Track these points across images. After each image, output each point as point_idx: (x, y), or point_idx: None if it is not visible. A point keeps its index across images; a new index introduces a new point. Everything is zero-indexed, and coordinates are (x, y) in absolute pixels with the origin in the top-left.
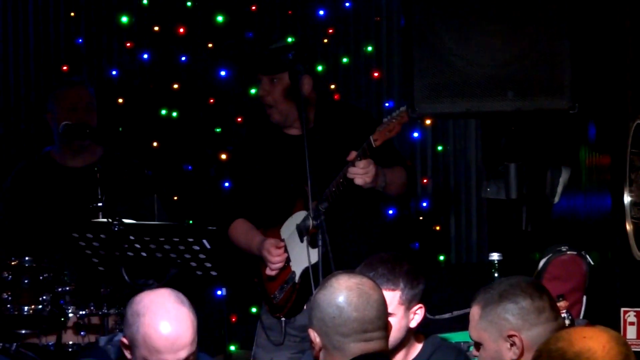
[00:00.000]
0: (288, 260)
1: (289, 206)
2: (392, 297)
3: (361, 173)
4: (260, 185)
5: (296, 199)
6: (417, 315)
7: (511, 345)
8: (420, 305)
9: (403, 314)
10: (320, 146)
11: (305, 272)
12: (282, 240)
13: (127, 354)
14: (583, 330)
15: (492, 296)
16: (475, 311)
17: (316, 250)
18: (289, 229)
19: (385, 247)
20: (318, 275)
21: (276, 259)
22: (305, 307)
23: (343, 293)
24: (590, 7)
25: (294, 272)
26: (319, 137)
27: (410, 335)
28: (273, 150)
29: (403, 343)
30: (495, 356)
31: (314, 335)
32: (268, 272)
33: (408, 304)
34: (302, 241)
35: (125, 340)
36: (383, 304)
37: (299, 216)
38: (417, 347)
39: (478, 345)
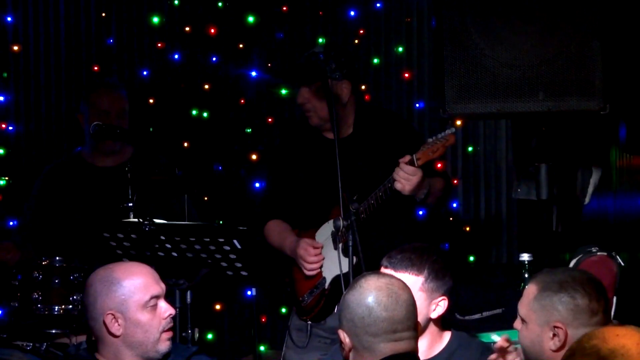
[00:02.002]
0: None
1: (325, 211)
2: (414, 282)
3: (405, 178)
4: (298, 187)
5: (333, 204)
6: (439, 307)
7: (554, 335)
8: (443, 297)
9: (423, 302)
10: (359, 151)
11: (335, 279)
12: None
13: (116, 328)
14: (615, 329)
15: (553, 282)
16: (531, 289)
17: (348, 259)
18: (324, 234)
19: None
20: (350, 281)
21: (312, 258)
22: (335, 309)
23: (372, 293)
24: (621, 8)
25: (324, 278)
26: (358, 141)
27: (434, 327)
28: (311, 153)
29: (424, 333)
30: (535, 339)
31: (343, 336)
32: (305, 272)
33: (430, 293)
34: (335, 248)
35: (111, 313)
36: (412, 304)
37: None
38: (444, 341)
39: (523, 321)
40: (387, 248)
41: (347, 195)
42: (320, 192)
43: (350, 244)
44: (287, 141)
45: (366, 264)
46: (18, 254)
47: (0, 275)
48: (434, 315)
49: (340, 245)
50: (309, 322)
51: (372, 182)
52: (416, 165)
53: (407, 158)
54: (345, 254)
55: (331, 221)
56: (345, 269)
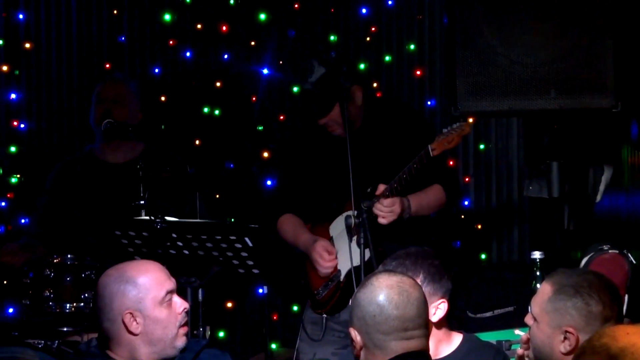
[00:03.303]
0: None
1: (339, 204)
2: None
3: (385, 212)
4: (309, 181)
5: (347, 197)
6: (439, 310)
7: (565, 339)
8: (442, 300)
9: None
10: (368, 144)
11: (350, 272)
12: (331, 238)
13: (135, 326)
14: (626, 327)
15: (568, 285)
16: (546, 289)
17: (361, 252)
18: (338, 227)
19: (427, 246)
20: (361, 276)
21: (327, 264)
22: (350, 303)
23: (383, 291)
24: (634, 6)
25: (339, 271)
26: (367, 135)
27: (437, 330)
28: (322, 149)
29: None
30: (546, 340)
31: (354, 334)
32: (319, 274)
33: (428, 297)
34: (350, 241)
35: (130, 312)
36: (423, 302)
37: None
38: (453, 343)
39: (535, 319)
40: (399, 244)
41: (358, 191)
42: (333, 186)
43: (362, 240)
44: (297, 137)
45: (378, 259)
46: (23, 257)
47: (11, 273)
48: (434, 318)
49: (354, 238)
50: (324, 316)
51: (383, 174)
52: (432, 155)
53: (382, 188)
54: (359, 247)
55: (345, 214)
56: (357, 262)
